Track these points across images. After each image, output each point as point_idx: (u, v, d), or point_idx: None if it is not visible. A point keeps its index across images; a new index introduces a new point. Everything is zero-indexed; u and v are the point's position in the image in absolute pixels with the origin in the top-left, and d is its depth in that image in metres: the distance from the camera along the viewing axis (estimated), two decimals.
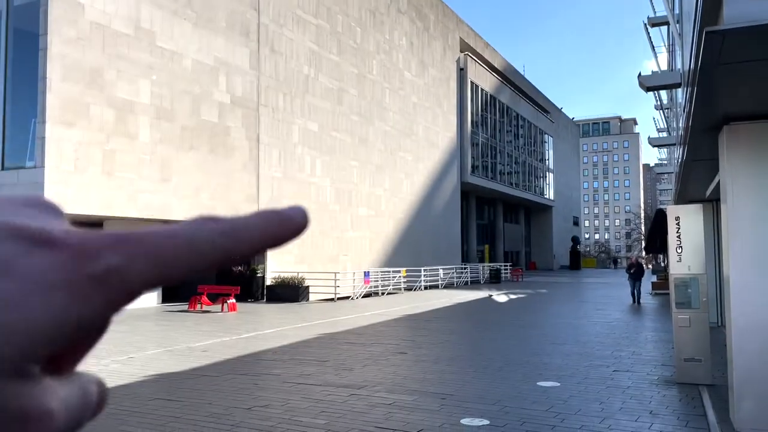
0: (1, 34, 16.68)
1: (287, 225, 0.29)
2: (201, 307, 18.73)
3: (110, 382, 8.16)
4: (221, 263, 0.29)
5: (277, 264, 22.88)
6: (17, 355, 0.24)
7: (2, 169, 16.13)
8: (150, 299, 20.51)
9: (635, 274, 21.08)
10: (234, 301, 18.54)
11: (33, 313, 0.24)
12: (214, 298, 19.36)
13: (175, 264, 0.27)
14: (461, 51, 42.12)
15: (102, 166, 16.44)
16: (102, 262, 0.26)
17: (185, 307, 19.40)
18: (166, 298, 21.53)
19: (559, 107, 71.95)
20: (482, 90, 46.24)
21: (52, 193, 15.11)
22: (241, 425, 6.14)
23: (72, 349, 0.28)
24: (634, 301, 20.76)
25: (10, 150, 16.28)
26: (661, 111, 34.50)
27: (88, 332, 0.26)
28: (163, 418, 6.44)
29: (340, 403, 7.08)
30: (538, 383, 8.10)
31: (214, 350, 10.92)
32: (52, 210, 0.29)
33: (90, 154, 16.14)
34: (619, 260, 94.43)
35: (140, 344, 11.64)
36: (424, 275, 29.77)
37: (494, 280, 36.33)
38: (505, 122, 51.60)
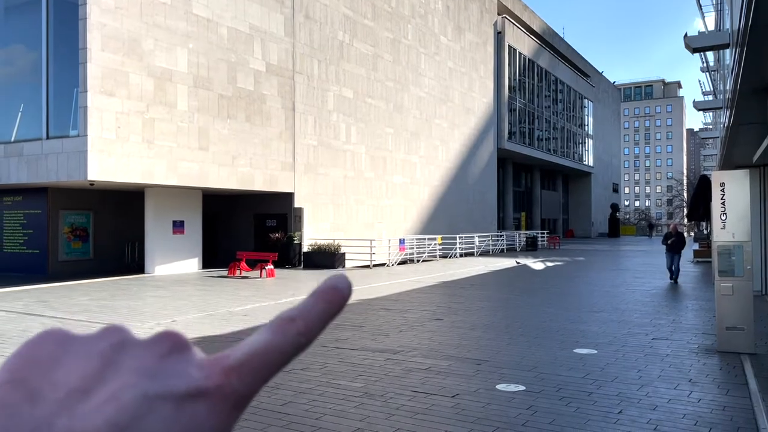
0: (42, 4, 16.96)
1: (338, 296, 0.34)
2: (240, 273, 19.13)
3: None
4: (302, 351, 0.34)
5: (314, 231, 23.13)
6: None
7: (47, 137, 16.57)
8: (191, 265, 21.03)
9: (674, 245, 17.09)
10: (272, 267, 18.87)
11: None
12: (252, 265, 19.73)
13: (273, 370, 0.32)
14: (499, 14, 41.15)
15: (142, 134, 16.74)
16: (237, 395, 0.31)
17: (224, 273, 19.84)
18: (206, 264, 22.05)
19: (600, 71, 69.98)
20: (520, 54, 45.23)
21: (95, 161, 15.49)
22: (281, 387, 6.31)
23: None
24: (671, 278, 17.25)
25: (55, 119, 16.69)
26: (707, 73, 33.27)
27: None
28: None
29: (376, 367, 7.20)
30: (574, 350, 8.08)
31: (254, 315, 11.18)
32: (180, 347, 0.33)
33: (130, 123, 16.44)
34: (659, 227, 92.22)
35: (182, 308, 11.98)
36: (460, 243, 29.72)
37: (531, 247, 36.06)
38: (543, 87, 50.51)
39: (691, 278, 18.77)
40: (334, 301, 0.34)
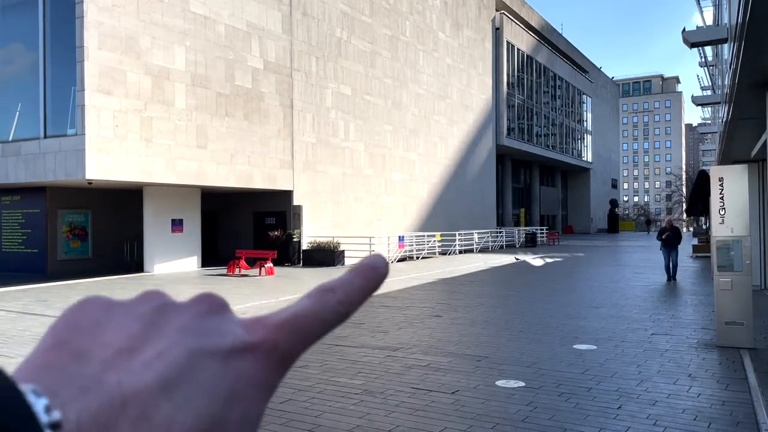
0: (39, 2, 16.91)
1: (376, 275, 0.36)
2: (239, 271, 19.12)
3: None
4: (341, 322, 0.35)
5: (313, 229, 23.12)
6: None
7: (45, 137, 16.54)
8: (190, 264, 21.02)
9: (669, 241, 16.06)
10: (271, 265, 18.86)
11: (255, 413, 0.31)
12: (252, 262, 19.73)
13: (314, 337, 0.33)
14: (497, 10, 41.10)
15: (140, 133, 16.71)
16: (282, 352, 0.32)
17: (224, 271, 19.83)
18: (205, 263, 22.04)
19: (599, 66, 69.92)
20: (519, 50, 45.18)
21: (93, 160, 15.48)
22: (280, 385, 6.30)
23: None
24: (669, 278, 16.11)
25: (52, 118, 16.66)
26: (705, 68, 33.27)
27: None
28: None
29: (376, 364, 7.20)
30: (574, 346, 8.09)
31: (253, 313, 11.16)
32: (219, 308, 0.34)
33: (128, 122, 16.41)
34: (658, 222, 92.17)
35: None
36: (459, 239, 29.72)
37: (530, 243, 36.07)
38: (542, 83, 50.47)
39: (690, 273, 18.79)
40: (371, 278, 0.35)
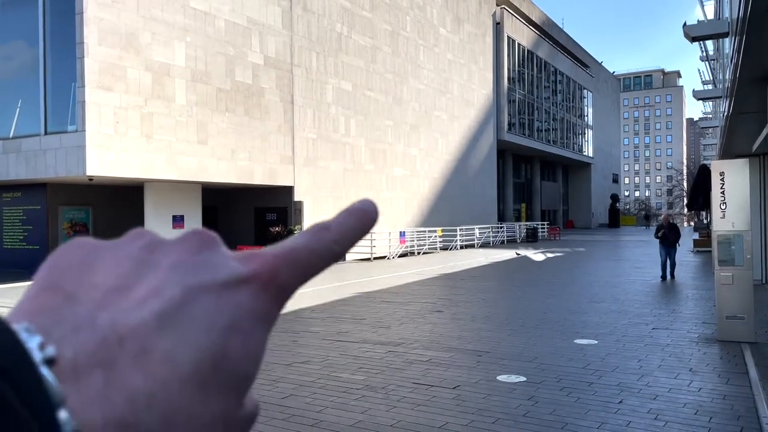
0: None
1: (369, 218, 0.35)
2: None
3: None
4: (335, 261, 0.34)
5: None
6: (253, 376, 0.31)
7: (45, 133, 16.54)
8: None
9: (666, 239, 15.03)
10: None
11: (257, 345, 0.30)
12: None
13: (310, 271, 0.32)
14: (497, 5, 40.97)
15: (141, 129, 16.71)
16: (278, 283, 0.31)
17: None
18: None
19: (600, 61, 69.79)
20: (519, 45, 45.08)
21: (93, 157, 15.47)
22: (282, 380, 6.32)
23: None
24: (663, 277, 15.12)
25: (53, 115, 16.65)
26: (706, 62, 33.20)
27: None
28: None
29: (377, 359, 7.21)
30: (575, 341, 8.10)
31: None
32: (211, 243, 0.33)
33: (129, 118, 16.40)
34: (659, 217, 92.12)
35: None
36: (460, 235, 29.72)
37: (531, 239, 36.07)
38: (542, 78, 50.38)
39: (691, 268, 18.79)
40: (363, 220, 0.35)
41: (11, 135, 17.33)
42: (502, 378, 6.32)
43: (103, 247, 0.32)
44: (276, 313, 0.32)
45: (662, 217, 16.30)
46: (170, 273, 0.30)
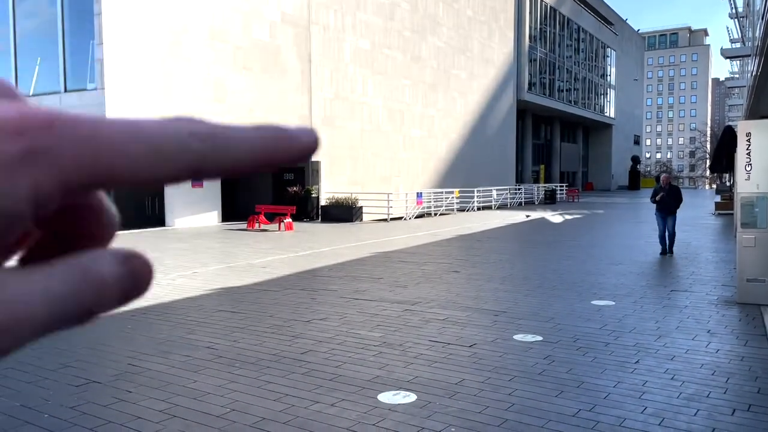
0: None
1: (291, 145, 0.25)
2: (259, 226, 19.29)
3: (177, 295, 8.62)
4: (195, 174, 0.24)
5: (331, 185, 23.16)
6: None
7: (65, 91, 16.59)
8: (210, 218, 21.25)
9: (663, 204, 12.43)
10: (290, 220, 18.99)
11: None
12: (271, 218, 19.88)
13: (124, 157, 0.23)
14: None
15: (159, 87, 16.69)
16: (27, 142, 0.22)
17: (244, 226, 20.03)
18: (225, 218, 22.27)
19: (624, 18, 67.91)
20: (542, 1, 43.96)
21: (113, 115, 15.53)
22: (301, 336, 6.43)
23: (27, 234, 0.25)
24: (664, 252, 12.57)
25: (72, 72, 16.68)
26: (735, 19, 32.17)
27: (14, 219, 0.22)
28: (228, 328, 6.80)
29: (394, 317, 7.29)
30: (592, 302, 8.10)
31: (273, 267, 11.32)
32: (4, 91, 0.25)
33: (147, 76, 16.37)
34: (680, 179, 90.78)
35: (203, 260, 12.17)
36: (477, 196, 29.60)
37: (549, 200, 35.83)
38: (565, 36, 49.23)
39: (711, 231, 18.59)
40: (284, 142, 0.25)
41: (31, 93, 17.42)
42: (518, 337, 6.37)
43: None
44: (14, 190, 0.21)
45: (662, 177, 13.12)
46: None
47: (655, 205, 12.75)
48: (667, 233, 12.54)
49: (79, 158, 0.22)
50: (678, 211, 12.63)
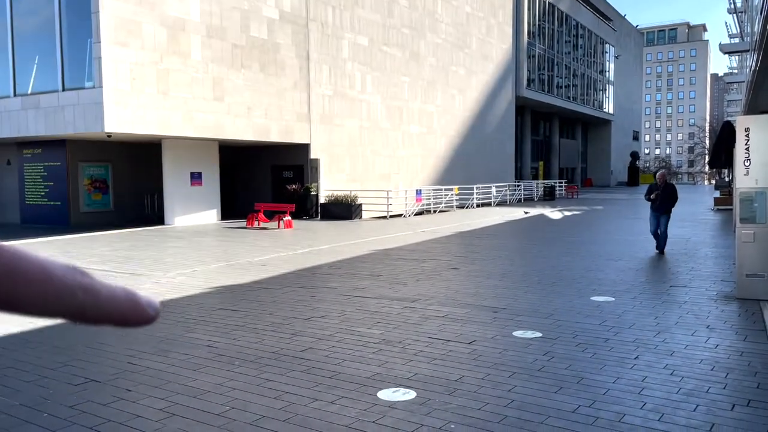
0: None
1: (140, 314, 0.30)
2: (258, 224, 19.29)
3: (177, 293, 8.62)
4: (72, 317, 0.28)
5: (330, 182, 23.14)
6: None
7: (63, 89, 16.56)
8: (209, 216, 21.24)
9: (658, 202, 12.02)
10: (289, 218, 18.99)
11: None
12: (270, 216, 19.87)
13: (28, 288, 0.25)
14: None
15: (157, 85, 16.66)
16: None
17: (243, 223, 20.02)
18: (224, 216, 22.25)
19: (623, 14, 67.83)
20: None
21: (111, 113, 15.51)
22: (301, 334, 6.43)
23: None
24: (657, 248, 12.30)
25: (70, 70, 16.64)
26: (734, 15, 32.15)
27: None
28: (227, 326, 6.80)
29: (394, 314, 7.29)
30: (591, 298, 8.11)
31: (273, 264, 11.32)
32: None
33: (145, 74, 16.34)
34: (679, 175, 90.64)
35: (202, 258, 12.16)
36: (477, 193, 29.60)
37: (548, 197, 35.84)
38: (563, 32, 49.17)
39: (710, 226, 18.60)
40: (132, 307, 0.30)
41: (30, 91, 17.39)
42: (518, 334, 6.37)
43: None
44: None
45: (658, 174, 12.60)
46: None
47: (650, 203, 12.32)
48: (660, 232, 12.13)
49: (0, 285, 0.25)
50: (673, 209, 12.23)
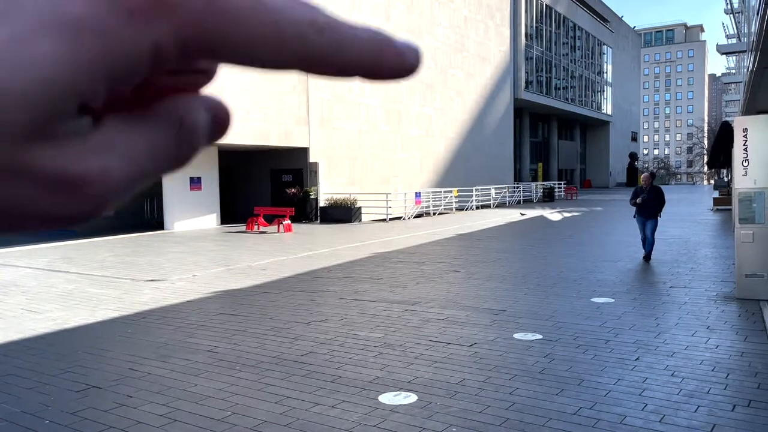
0: None
1: (395, 59, 0.24)
2: (258, 228, 19.29)
3: (177, 298, 8.62)
4: (304, 68, 0.23)
5: (330, 186, 23.16)
6: (24, 120, 0.19)
7: None
8: (209, 221, 21.24)
9: (644, 207, 11.30)
10: (289, 222, 18.99)
11: (32, 68, 0.19)
12: (270, 220, 19.87)
13: (245, 33, 0.22)
14: None
15: None
16: (183, 27, 0.21)
17: (243, 228, 20.02)
18: (224, 220, 22.26)
19: (620, 16, 67.98)
20: (537, 0, 43.98)
21: None
22: (301, 338, 6.43)
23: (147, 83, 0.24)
24: (645, 256, 11.47)
25: None
26: (731, 15, 32.24)
27: (134, 69, 0.21)
28: (228, 331, 6.80)
29: (395, 317, 7.29)
30: (591, 299, 8.11)
31: (273, 269, 11.32)
32: None
33: None
34: (678, 176, 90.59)
35: (202, 263, 12.16)
36: (476, 195, 29.61)
37: (547, 198, 35.85)
38: (561, 34, 49.27)
39: (709, 227, 18.62)
40: (391, 55, 0.23)
41: None
42: (518, 336, 6.37)
43: None
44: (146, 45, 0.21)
45: (643, 177, 11.64)
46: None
47: (635, 207, 11.53)
48: (647, 237, 11.40)
49: (201, 22, 0.21)
50: (661, 213, 11.55)
